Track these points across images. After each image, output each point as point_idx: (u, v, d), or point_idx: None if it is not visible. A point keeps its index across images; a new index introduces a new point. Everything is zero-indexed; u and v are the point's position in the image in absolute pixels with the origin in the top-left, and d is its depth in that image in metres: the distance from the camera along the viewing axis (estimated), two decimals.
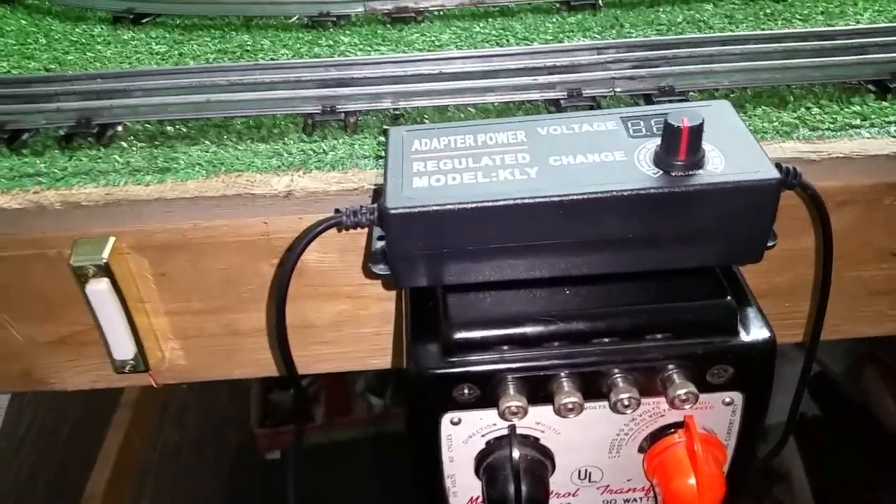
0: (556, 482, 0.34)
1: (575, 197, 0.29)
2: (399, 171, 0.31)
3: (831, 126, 0.41)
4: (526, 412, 0.30)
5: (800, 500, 1.31)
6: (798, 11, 0.54)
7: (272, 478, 1.43)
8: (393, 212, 0.29)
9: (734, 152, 0.30)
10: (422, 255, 0.31)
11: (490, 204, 0.29)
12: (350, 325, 0.44)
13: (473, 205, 0.29)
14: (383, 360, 0.46)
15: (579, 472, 0.34)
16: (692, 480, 0.31)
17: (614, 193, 0.29)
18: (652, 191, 0.29)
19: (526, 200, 0.29)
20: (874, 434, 1.34)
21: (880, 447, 1.32)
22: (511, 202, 0.29)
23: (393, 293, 0.43)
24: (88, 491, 1.28)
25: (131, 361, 0.43)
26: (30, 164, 0.43)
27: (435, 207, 0.29)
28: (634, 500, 0.35)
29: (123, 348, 0.42)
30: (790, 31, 0.48)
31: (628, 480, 0.34)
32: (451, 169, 0.31)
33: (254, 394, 1.51)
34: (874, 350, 1.40)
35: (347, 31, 0.55)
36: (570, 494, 0.35)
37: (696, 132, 0.29)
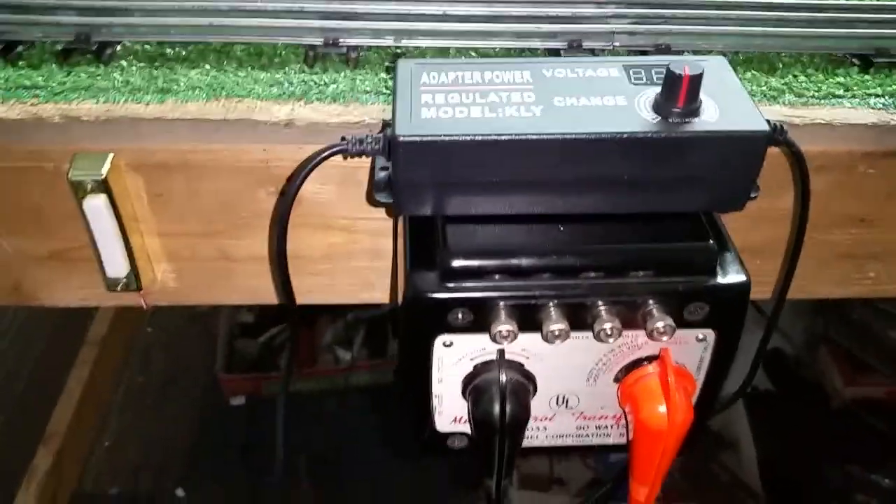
0: (536, 407, 0.36)
1: (576, 136, 0.30)
2: (408, 101, 0.32)
3: (815, 94, 0.43)
4: (516, 336, 0.32)
5: (746, 468, 1.37)
6: None
7: (235, 422, 1.45)
8: (402, 139, 0.30)
9: (728, 105, 0.32)
10: (426, 183, 0.32)
11: (495, 138, 0.30)
12: (341, 258, 0.45)
13: (480, 137, 0.30)
14: (371, 295, 0.47)
15: (558, 397, 0.36)
16: (663, 408, 0.33)
17: (614, 135, 0.30)
18: (650, 135, 0.30)
19: (529, 137, 0.30)
20: (821, 410, 1.41)
21: (826, 423, 1.39)
22: (515, 137, 0.30)
23: (386, 229, 0.44)
24: (51, 427, 1.28)
25: (124, 280, 0.43)
26: (26, 77, 0.43)
27: (443, 138, 0.30)
28: (605, 426, 0.37)
29: (117, 266, 0.42)
30: (783, 1, 0.50)
31: (601, 408, 0.37)
32: (459, 103, 0.32)
33: (220, 339, 1.52)
34: (828, 331, 1.47)
35: None
36: (546, 419, 0.37)
37: (696, 81, 0.30)
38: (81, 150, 0.40)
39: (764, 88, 0.43)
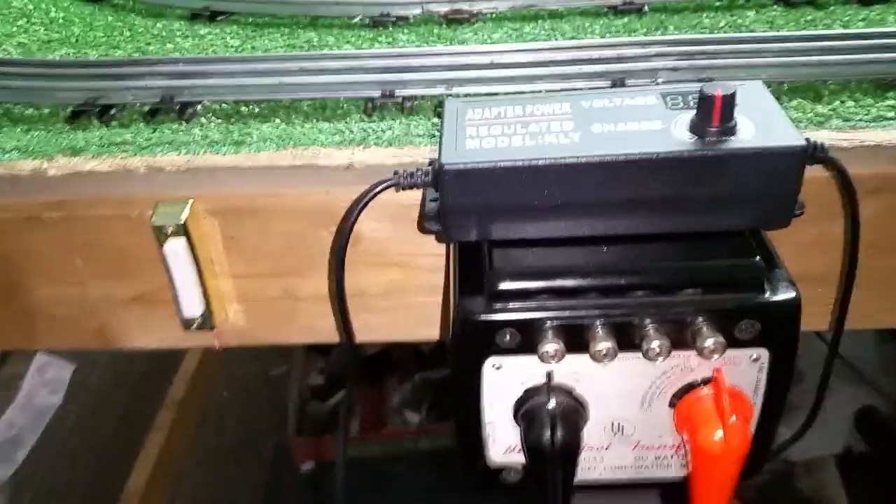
0: (591, 434, 0.36)
1: (615, 158, 0.32)
2: (454, 134, 0.34)
3: (864, 117, 0.43)
4: (563, 356, 0.32)
5: None
6: (839, 18, 0.56)
7: (305, 487, 1.47)
8: (447, 167, 0.33)
9: (764, 123, 0.33)
10: (472, 209, 0.34)
11: (536, 163, 0.32)
12: (399, 295, 0.47)
13: (521, 163, 0.32)
14: (429, 332, 0.49)
15: (612, 424, 0.36)
16: (720, 432, 0.33)
17: (650, 155, 0.32)
18: (686, 153, 0.31)
19: (569, 160, 0.32)
20: None
21: None
22: (556, 161, 0.32)
23: (441, 266, 0.46)
24: (129, 487, 1.33)
25: (199, 319, 0.46)
26: (118, 135, 0.47)
27: (486, 164, 0.32)
28: (664, 457, 0.37)
29: (193, 306, 0.46)
30: (828, 32, 0.51)
31: (659, 436, 0.36)
32: (502, 133, 0.34)
33: (291, 402, 1.55)
34: None
35: (405, 30, 0.59)
36: (603, 448, 0.37)
37: (729, 101, 0.31)
38: (164, 198, 0.44)
39: (810, 115, 0.44)
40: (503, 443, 0.37)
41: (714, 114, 0.31)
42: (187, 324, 0.47)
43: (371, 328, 0.48)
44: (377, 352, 1.61)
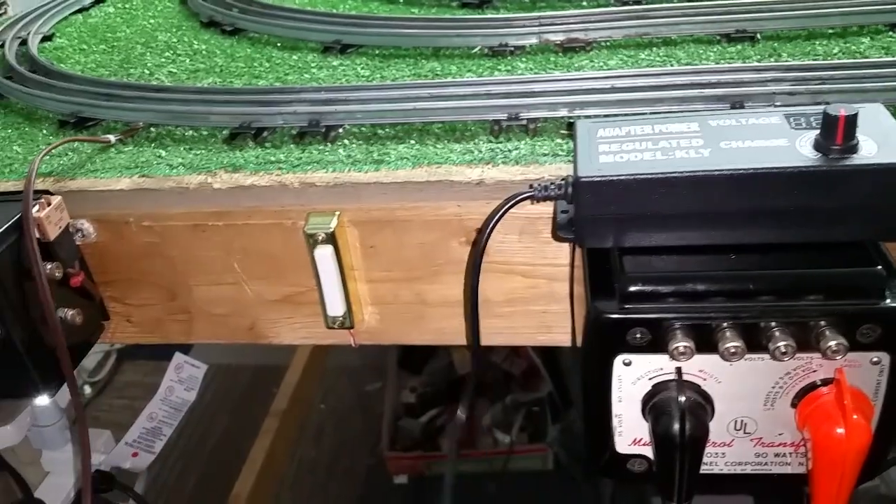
0: (714, 431, 0.38)
1: (743, 171, 0.34)
2: (588, 151, 0.38)
3: None
4: (692, 354, 0.35)
5: None
6: None
7: (399, 500, 1.51)
8: (583, 179, 0.36)
9: (886, 142, 0.35)
10: (605, 219, 0.37)
11: (667, 175, 0.35)
12: (521, 302, 0.51)
13: (653, 176, 0.35)
14: (547, 337, 0.52)
15: (735, 422, 0.38)
16: (841, 429, 0.34)
17: (778, 170, 0.34)
18: (812, 168, 0.34)
19: (700, 173, 0.35)
20: None
21: None
22: (687, 174, 0.35)
23: (562, 274, 0.49)
24: (236, 491, 1.42)
25: (341, 318, 0.51)
26: (271, 154, 0.54)
27: (620, 177, 0.36)
28: (784, 454, 0.39)
29: (336, 306, 0.51)
30: None
31: (780, 434, 0.38)
32: (633, 150, 0.37)
33: (385, 419, 1.61)
34: None
35: (523, 59, 0.63)
36: (725, 444, 0.39)
37: (852, 121, 0.34)
38: (314, 210, 0.49)
39: None
40: (630, 434, 0.39)
41: (838, 132, 0.34)
42: (331, 322, 0.52)
43: (493, 333, 0.52)
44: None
